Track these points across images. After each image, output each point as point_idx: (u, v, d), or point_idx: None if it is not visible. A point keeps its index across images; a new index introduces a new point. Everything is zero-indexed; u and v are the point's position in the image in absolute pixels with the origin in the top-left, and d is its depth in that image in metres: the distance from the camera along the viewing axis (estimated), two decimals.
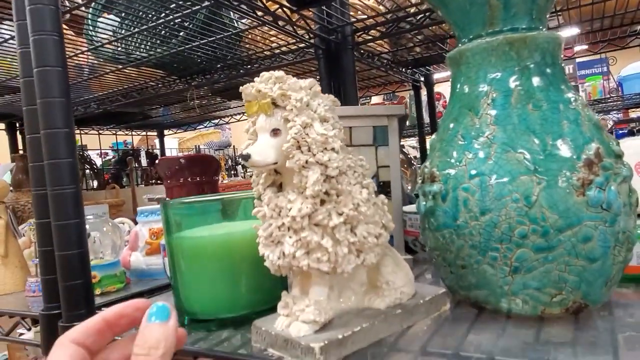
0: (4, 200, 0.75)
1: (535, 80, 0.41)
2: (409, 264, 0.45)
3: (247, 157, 0.36)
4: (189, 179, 0.98)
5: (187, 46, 1.03)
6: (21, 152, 1.66)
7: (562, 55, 0.44)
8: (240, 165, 4.33)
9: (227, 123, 2.08)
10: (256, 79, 0.38)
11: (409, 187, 1.22)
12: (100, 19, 1.02)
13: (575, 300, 0.39)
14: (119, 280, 0.65)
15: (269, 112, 0.37)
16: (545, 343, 0.36)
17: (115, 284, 0.64)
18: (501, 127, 0.40)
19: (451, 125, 0.44)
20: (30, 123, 0.52)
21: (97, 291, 0.62)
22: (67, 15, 0.89)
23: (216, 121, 2.07)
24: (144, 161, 2.08)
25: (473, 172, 0.40)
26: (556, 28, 1.11)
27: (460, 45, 0.45)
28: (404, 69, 1.49)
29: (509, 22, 0.42)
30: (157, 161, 1.05)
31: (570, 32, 1.21)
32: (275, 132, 0.37)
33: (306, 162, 0.36)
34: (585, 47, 1.48)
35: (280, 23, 0.93)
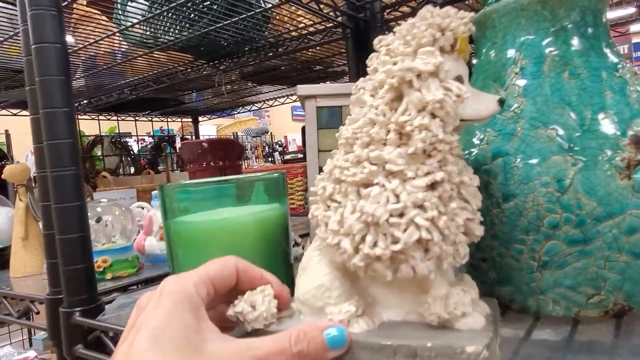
0: (24, 183, 0.75)
1: (573, 44, 0.35)
2: None
3: (503, 101, 0.29)
4: (212, 163, 0.96)
5: (212, 27, 1.00)
6: None
7: (606, 14, 0.37)
8: (277, 152, 4.32)
9: (260, 109, 2.06)
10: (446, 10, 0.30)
11: None
12: (130, 4, 1.02)
13: (616, 302, 0.33)
14: (132, 265, 0.63)
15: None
16: (577, 351, 0.30)
17: (127, 269, 0.62)
18: (530, 99, 0.35)
19: None
20: (33, 103, 0.51)
21: (109, 275, 0.61)
22: None
23: (249, 107, 2.05)
24: (178, 147, 2.10)
25: (495, 151, 0.35)
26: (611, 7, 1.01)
27: (486, 7, 0.40)
28: None
29: None
30: (179, 145, 1.03)
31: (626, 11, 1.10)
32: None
33: None
34: None
35: (304, 0, 0.89)
